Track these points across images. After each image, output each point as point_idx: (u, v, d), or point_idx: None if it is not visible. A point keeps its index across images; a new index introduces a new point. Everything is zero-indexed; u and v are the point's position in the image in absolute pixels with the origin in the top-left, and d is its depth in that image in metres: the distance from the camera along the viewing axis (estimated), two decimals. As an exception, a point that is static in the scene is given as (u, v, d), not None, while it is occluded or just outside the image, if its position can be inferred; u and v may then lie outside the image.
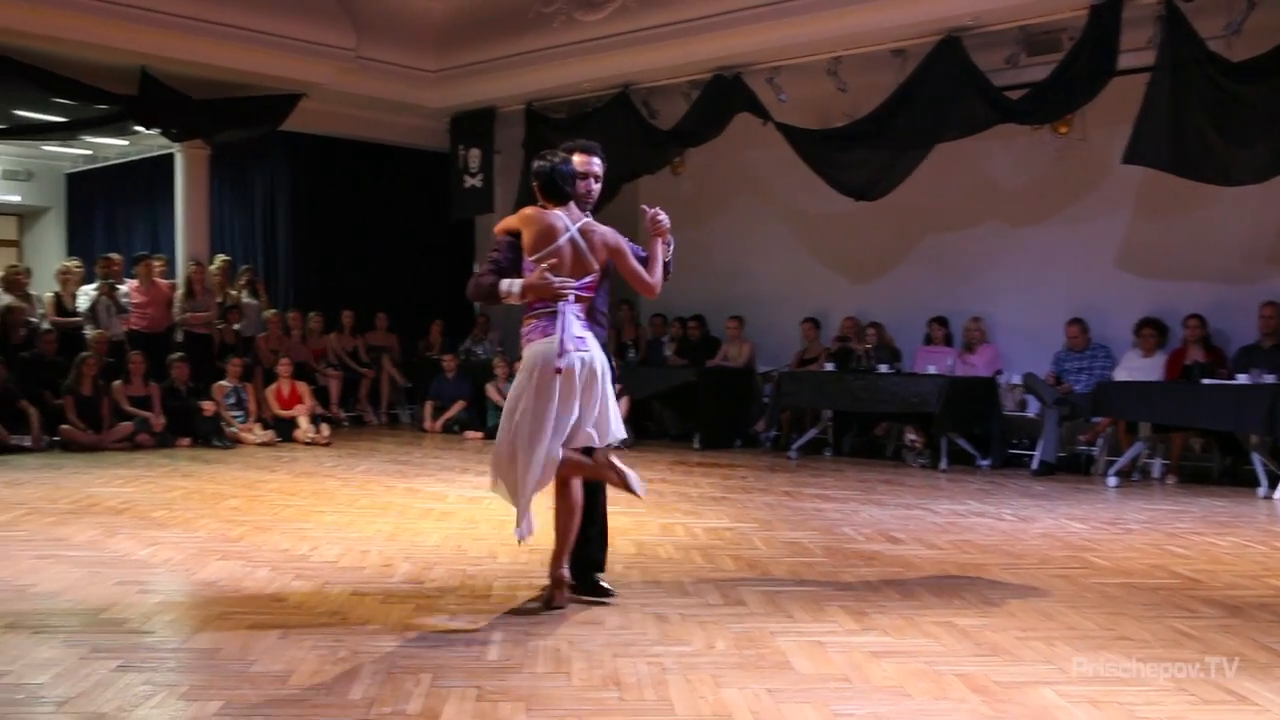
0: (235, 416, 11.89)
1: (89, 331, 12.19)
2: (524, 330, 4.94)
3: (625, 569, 5.79)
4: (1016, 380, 10.68)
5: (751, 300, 13.04)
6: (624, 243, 5.06)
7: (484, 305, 4.44)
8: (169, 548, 6.27)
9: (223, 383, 11.96)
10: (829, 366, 11.29)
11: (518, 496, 4.87)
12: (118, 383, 11.37)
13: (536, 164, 5.01)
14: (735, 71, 11.59)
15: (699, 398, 11.95)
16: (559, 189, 4.95)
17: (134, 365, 11.47)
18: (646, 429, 12.82)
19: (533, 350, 4.84)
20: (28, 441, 10.74)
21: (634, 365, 12.74)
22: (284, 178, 15.24)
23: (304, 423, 12.03)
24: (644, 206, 5.19)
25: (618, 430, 5.00)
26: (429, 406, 13.29)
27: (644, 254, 5.17)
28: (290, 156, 15.02)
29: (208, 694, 3.78)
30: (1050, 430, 9.85)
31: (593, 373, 4.87)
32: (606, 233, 5.00)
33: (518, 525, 4.92)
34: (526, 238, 4.91)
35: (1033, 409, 10.60)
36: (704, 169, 13.34)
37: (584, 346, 4.86)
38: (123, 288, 12.66)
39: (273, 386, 12.36)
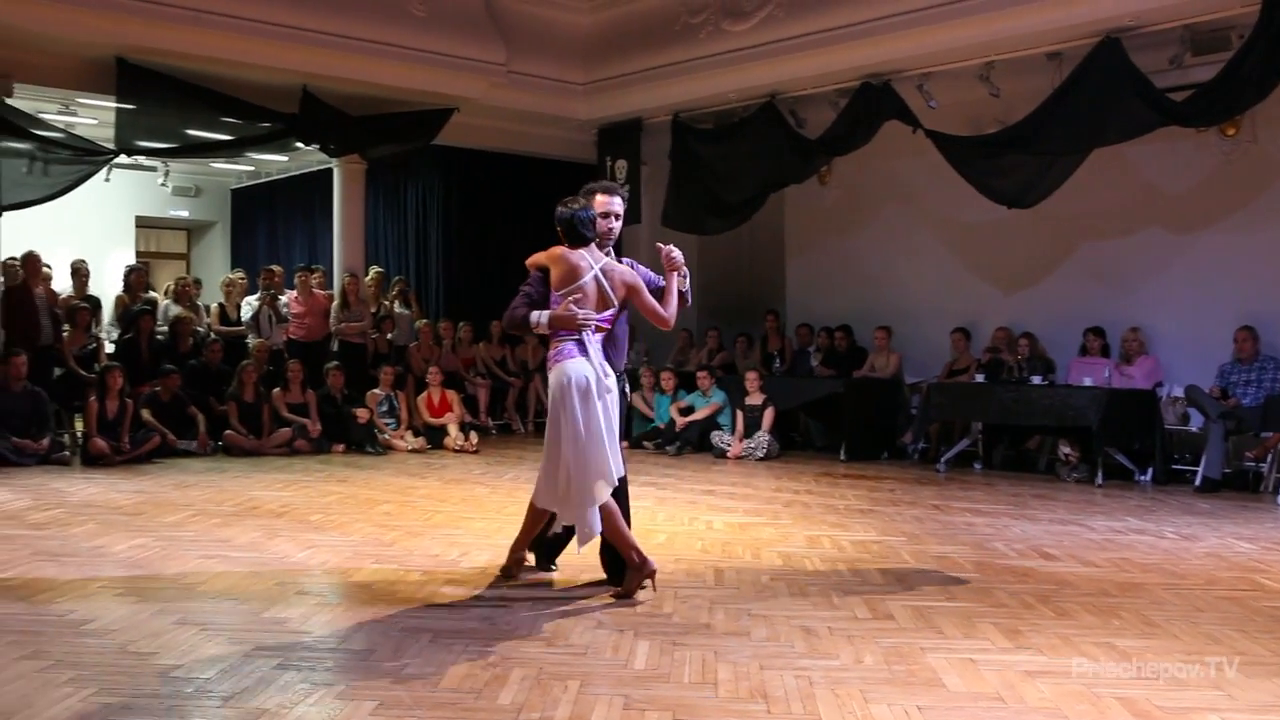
0: (387, 424, 12.19)
1: (251, 340, 12.68)
2: (552, 352, 5.37)
3: (772, 580, 5.78)
4: (1178, 393, 10.28)
5: (900, 310, 12.83)
6: (640, 280, 5.53)
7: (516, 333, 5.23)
8: (325, 550, 6.47)
9: (376, 391, 12.27)
10: (979, 378, 11.05)
11: (579, 506, 5.24)
12: (277, 390, 11.76)
13: (559, 210, 5.46)
14: (884, 79, 11.43)
15: (845, 409, 11.78)
16: (580, 234, 5.41)
17: (292, 373, 11.86)
18: (792, 440, 12.72)
19: (565, 368, 5.26)
20: (194, 446, 11.19)
21: (779, 376, 12.66)
22: (435, 191, 15.66)
23: (453, 430, 12.26)
24: (659, 245, 5.70)
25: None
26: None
27: (662, 284, 5.61)
28: (442, 170, 15.42)
29: (363, 694, 3.89)
30: (1215, 445, 9.45)
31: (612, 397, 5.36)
32: (625, 272, 5.49)
33: (583, 532, 5.29)
34: (554, 275, 5.38)
35: (1196, 423, 10.18)
36: (851, 178, 13.20)
37: (608, 373, 5.36)
38: (283, 298, 13.14)
39: (424, 395, 12.63)
